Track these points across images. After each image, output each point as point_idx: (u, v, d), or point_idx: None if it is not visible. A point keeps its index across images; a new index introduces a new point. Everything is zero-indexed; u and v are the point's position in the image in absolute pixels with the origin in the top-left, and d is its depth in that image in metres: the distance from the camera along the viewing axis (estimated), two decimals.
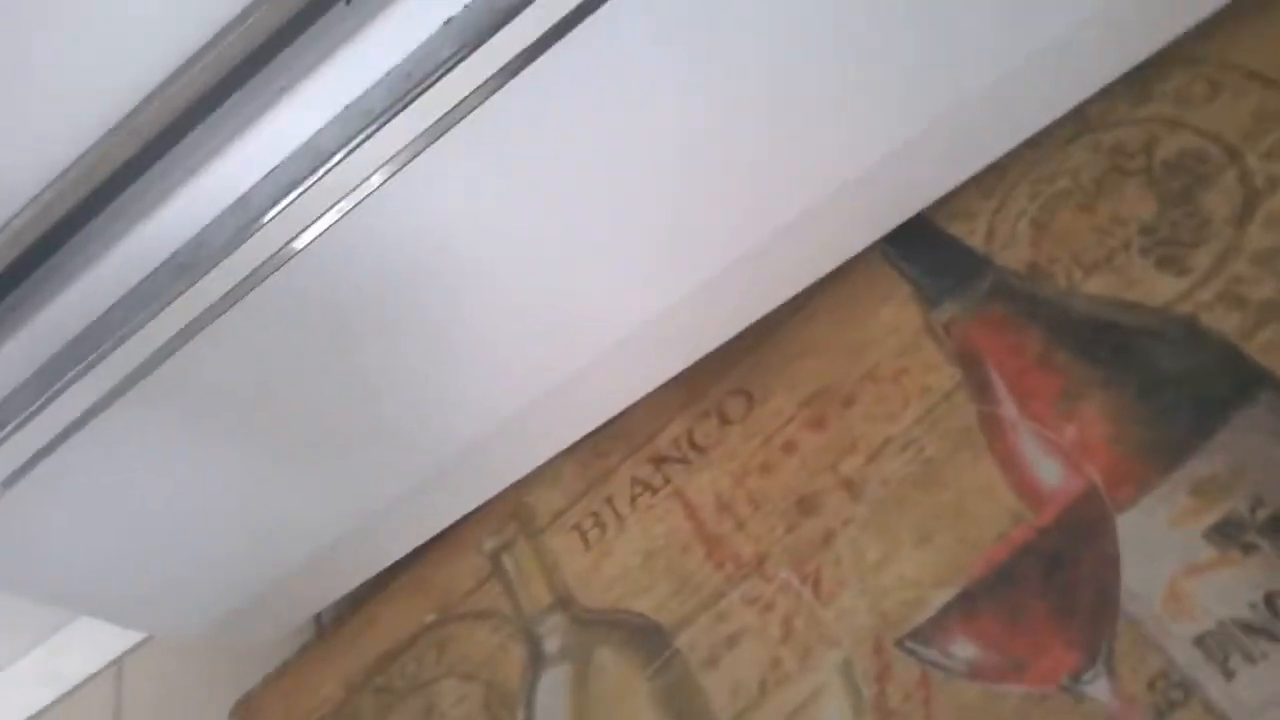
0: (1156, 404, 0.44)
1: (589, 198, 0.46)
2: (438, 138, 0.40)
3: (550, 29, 0.39)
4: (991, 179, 0.50)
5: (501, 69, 0.39)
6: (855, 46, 0.44)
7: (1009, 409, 0.46)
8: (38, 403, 0.45)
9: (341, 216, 0.42)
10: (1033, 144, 0.50)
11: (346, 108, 0.39)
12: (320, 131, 0.39)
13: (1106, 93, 0.49)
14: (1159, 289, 0.45)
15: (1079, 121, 0.49)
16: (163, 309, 0.43)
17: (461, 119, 0.40)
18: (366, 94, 0.38)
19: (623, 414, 0.55)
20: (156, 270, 0.42)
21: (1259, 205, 0.44)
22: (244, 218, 0.41)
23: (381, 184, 0.41)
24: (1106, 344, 0.46)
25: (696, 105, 0.43)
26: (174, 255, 0.42)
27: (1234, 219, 0.45)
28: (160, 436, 0.50)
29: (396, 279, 0.46)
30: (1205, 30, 0.47)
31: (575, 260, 0.48)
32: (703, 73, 0.42)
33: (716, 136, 0.45)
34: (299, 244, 0.42)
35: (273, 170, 0.39)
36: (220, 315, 0.44)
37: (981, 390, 0.48)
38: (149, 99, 0.37)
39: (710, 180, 0.47)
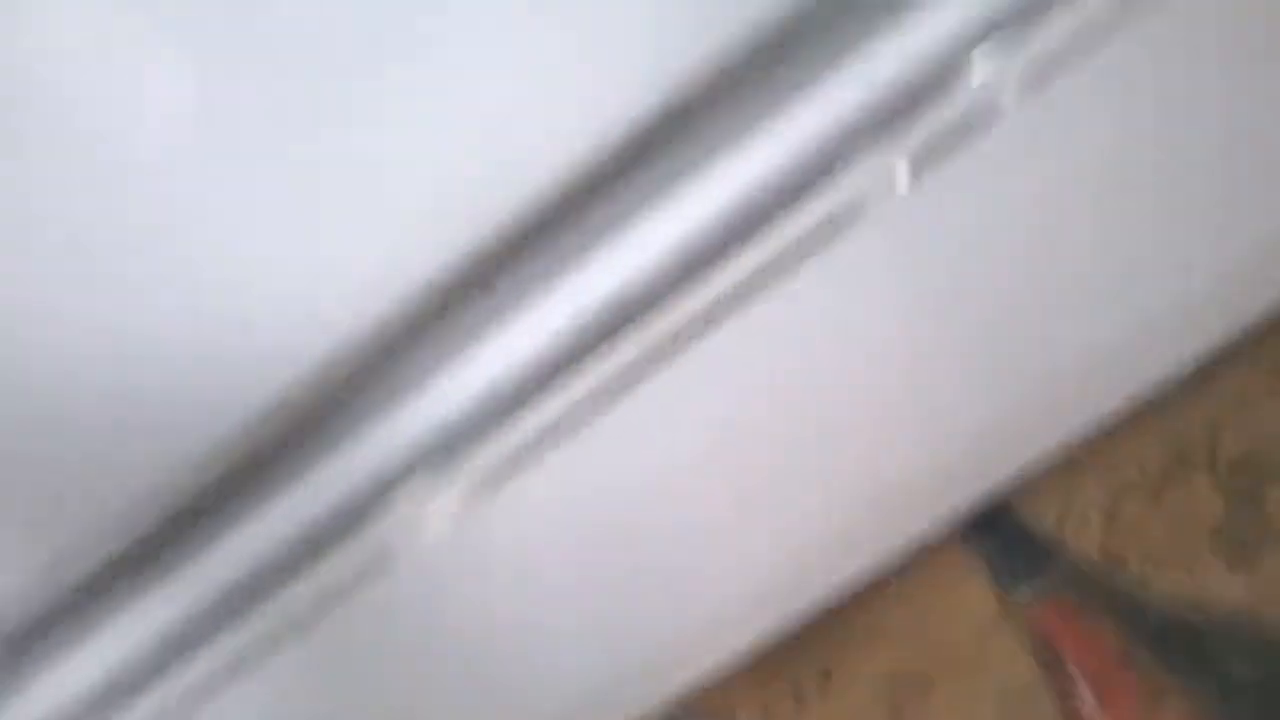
0: (1236, 709, 0.46)
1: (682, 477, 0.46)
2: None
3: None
4: (1062, 467, 0.52)
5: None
6: (955, 343, 0.45)
7: (1090, 705, 0.48)
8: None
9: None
10: (1102, 433, 0.51)
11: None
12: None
13: (1169, 386, 0.50)
14: (1232, 589, 0.47)
15: (1144, 413, 0.51)
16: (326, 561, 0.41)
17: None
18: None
19: (696, 686, 0.55)
20: (323, 522, 0.40)
21: None
22: (433, 471, 0.39)
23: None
24: (1183, 643, 0.48)
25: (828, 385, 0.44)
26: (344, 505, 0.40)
27: None
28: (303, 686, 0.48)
29: None
30: (1264, 330, 0.49)
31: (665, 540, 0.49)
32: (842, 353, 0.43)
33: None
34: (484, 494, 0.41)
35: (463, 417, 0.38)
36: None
37: (1061, 684, 0.49)
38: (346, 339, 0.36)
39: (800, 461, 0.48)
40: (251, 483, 0.39)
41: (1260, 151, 0.46)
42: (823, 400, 0.45)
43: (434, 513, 0.40)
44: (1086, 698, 0.48)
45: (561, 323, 0.37)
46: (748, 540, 0.50)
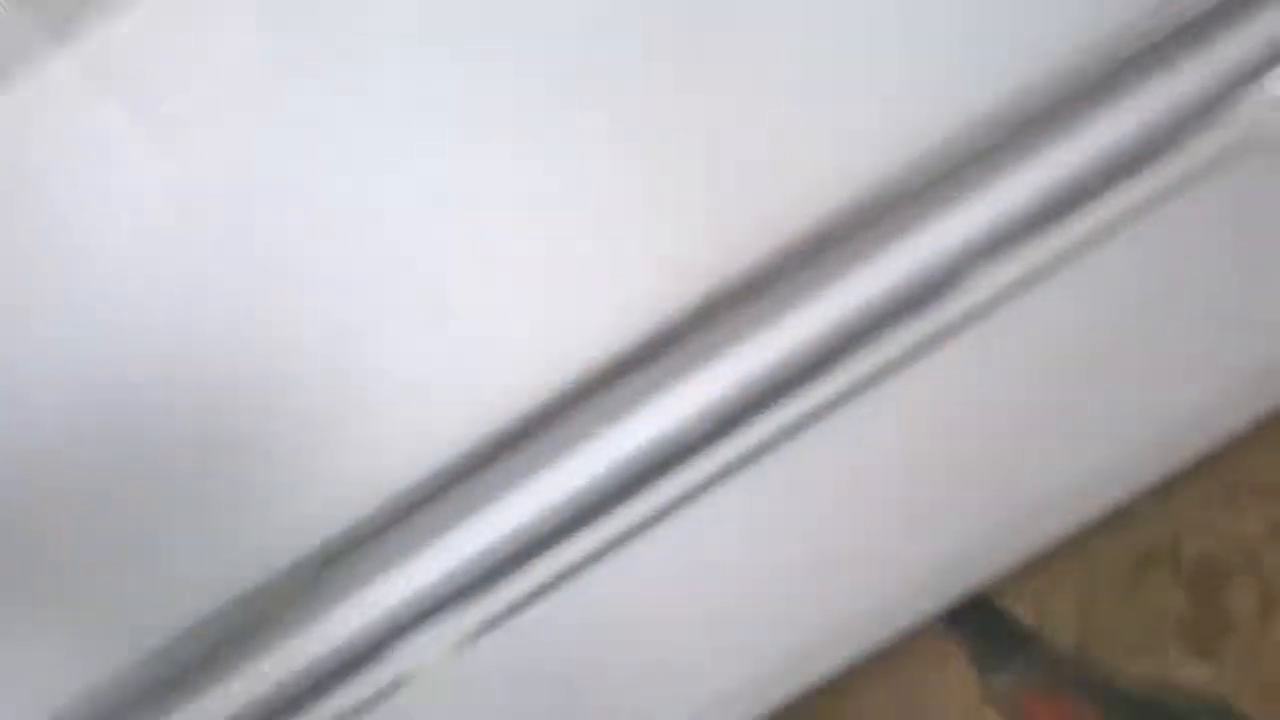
0: None
1: None
2: None
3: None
4: (1039, 565, 0.56)
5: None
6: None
7: None
8: None
9: None
10: (1075, 535, 0.55)
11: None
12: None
13: (1137, 492, 0.55)
14: (1198, 675, 0.51)
15: (1115, 517, 0.55)
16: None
17: None
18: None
19: None
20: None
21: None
22: None
23: None
24: None
25: None
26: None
27: (1257, 616, 0.51)
28: None
29: None
30: (1226, 444, 0.54)
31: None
32: None
33: None
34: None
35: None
36: None
37: None
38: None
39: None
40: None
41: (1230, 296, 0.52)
42: (820, 514, 0.49)
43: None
44: None
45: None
46: (736, 633, 0.53)
